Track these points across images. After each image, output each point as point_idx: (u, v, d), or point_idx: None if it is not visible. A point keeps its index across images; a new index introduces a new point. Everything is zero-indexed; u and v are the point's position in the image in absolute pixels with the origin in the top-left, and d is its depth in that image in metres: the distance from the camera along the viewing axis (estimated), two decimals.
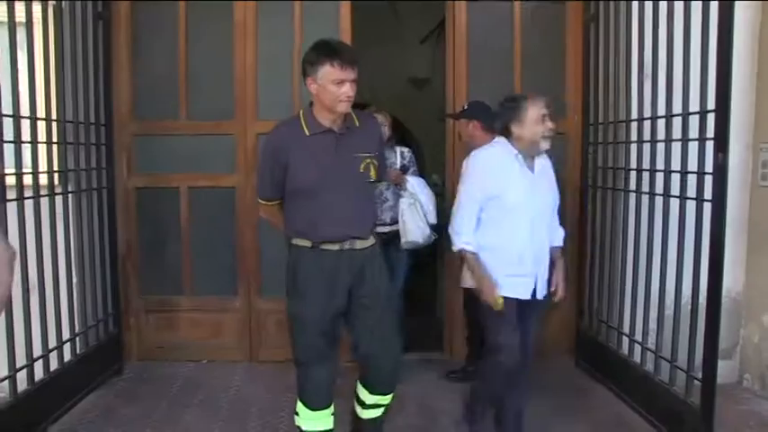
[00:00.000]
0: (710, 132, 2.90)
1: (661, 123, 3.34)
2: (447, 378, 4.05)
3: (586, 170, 4.15)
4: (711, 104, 2.89)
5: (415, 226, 3.97)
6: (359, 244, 2.62)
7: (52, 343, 3.39)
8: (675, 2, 3.19)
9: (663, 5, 3.29)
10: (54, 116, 3.45)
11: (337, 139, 2.56)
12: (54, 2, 3.47)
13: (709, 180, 2.91)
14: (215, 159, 4.32)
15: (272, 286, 4.30)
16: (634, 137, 3.62)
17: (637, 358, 3.54)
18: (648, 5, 3.43)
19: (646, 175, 3.45)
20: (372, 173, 2.64)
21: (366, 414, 2.84)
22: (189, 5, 4.21)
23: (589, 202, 4.12)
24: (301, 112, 2.61)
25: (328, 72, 2.42)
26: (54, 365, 3.40)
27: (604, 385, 3.85)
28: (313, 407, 2.65)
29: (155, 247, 4.37)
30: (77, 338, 3.64)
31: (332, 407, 2.71)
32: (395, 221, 4.03)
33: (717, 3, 2.83)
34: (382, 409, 2.83)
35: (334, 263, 2.58)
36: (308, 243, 2.59)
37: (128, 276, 4.33)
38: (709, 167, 2.92)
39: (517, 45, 4.29)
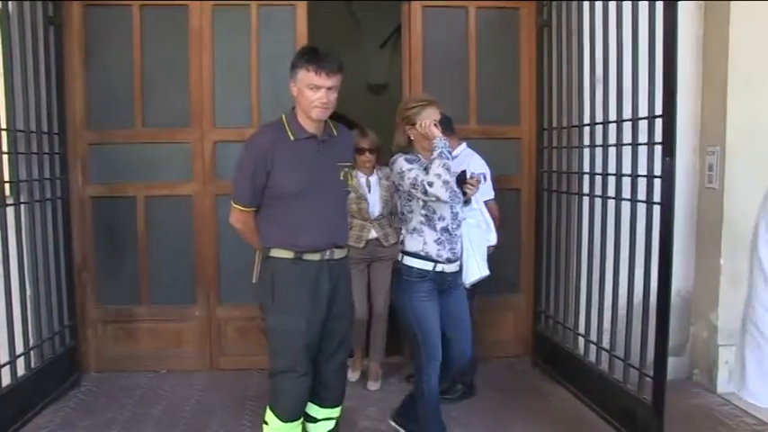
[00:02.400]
0: (659, 137, 3.00)
1: (612, 128, 3.44)
2: (407, 381, 4.08)
3: (541, 174, 4.25)
4: (659, 110, 2.99)
5: (485, 254, 3.16)
6: (337, 253, 2.61)
7: (5, 358, 3.32)
8: (624, 3, 3.27)
9: (612, 12, 3.39)
10: (3, 125, 3.37)
11: (320, 145, 2.56)
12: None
13: (658, 183, 3.00)
14: (172, 168, 4.29)
15: (232, 294, 4.29)
16: (587, 141, 3.71)
17: (592, 358, 3.63)
18: (599, 11, 3.52)
19: (598, 179, 3.55)
20: (350, 181, 2.69)
21: (319, 429, 2.78)
22: (143, 11, 4.17)
23: (544, 205, 4.22)
24: (284, 117, 2.58)
25: (304, 76, 2.43)
26: (7, 380, 3.33)
27: (561, 385, 3.93)
28: (286, 419, 2.59)
29: (112, 257, 4.31)
30: (32, 352, 3.56)
31: (302, 418, 2.69)
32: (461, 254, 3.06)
33: (662, 11, 2.92)
34: (334, 422, 2.80)
35: (316, 273, 2.55)
36: (289, 254, 2.53)
37: (84, 287, 4.25)
38: (658, 171, 3.01)
39: (472, 50, 4.36)
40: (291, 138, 2.52)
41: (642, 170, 3.16)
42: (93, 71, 4.20)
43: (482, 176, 3.72)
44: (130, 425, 3.52)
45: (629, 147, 3.26)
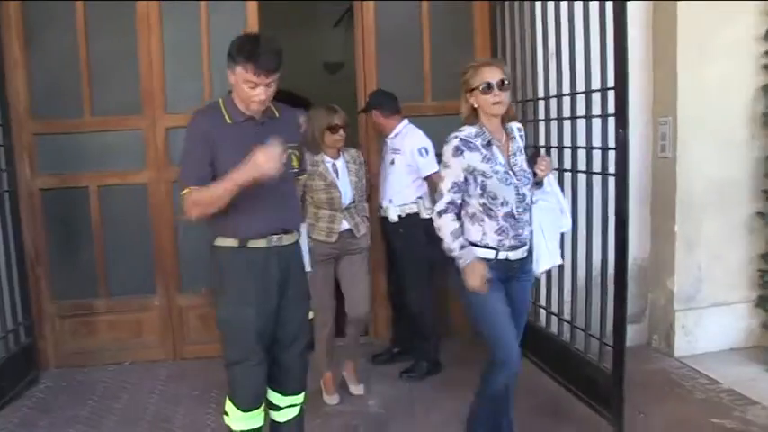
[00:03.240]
0: (612, 109, 3.02)
1: (567, 101, 3.46)
2: (373, 361, 4.09)
3: None
4: (611, 82, 3.01)
5: (558, 241, 2.91)
6: (286, 239, 2.51)
7: None
8: None
9: None
10: None
11: (259, 128, 2.44)
12: None
13: (612, 155, 3.04)
14: (124, 156, 4.20)
15: (192, 281, 4.24)
16: (542, 115, 3.73)
17: (554, 329, 3.68)
18: None
19: (554, 152, 3.57)
20: (294, 162, 2.55)
21: (283, 416, 2.69)
22: None
23: None
24: (221, 100, 2.48)
25: (241, 73, 2.31)
26: None
27: (525, 357, 3.95)
28: (245, 408, 2.53)
29: (66, 249, 4.21)
30: None
31: (263, 405, 2.63)
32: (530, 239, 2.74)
33: None
34: (299, 408, 2.71)
35: (264, 261, 2.45)
36: (233, 242, 2.43)
37: (38, 282, 4.14)
38: (612, 143, 3.04)
39: (426, 27, 4.34)
40: (228, 121, 2.42)
41: (597, 142, 3.19)
42: (37, 59, 4.06)
43: (423, 150, 3.75)
44: (93, 420, 3.46)
45: (584, 119, 3.29)
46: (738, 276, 4.02)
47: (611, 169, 3.05)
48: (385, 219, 3.86)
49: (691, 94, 3.84)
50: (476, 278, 2.52)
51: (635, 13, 3.81)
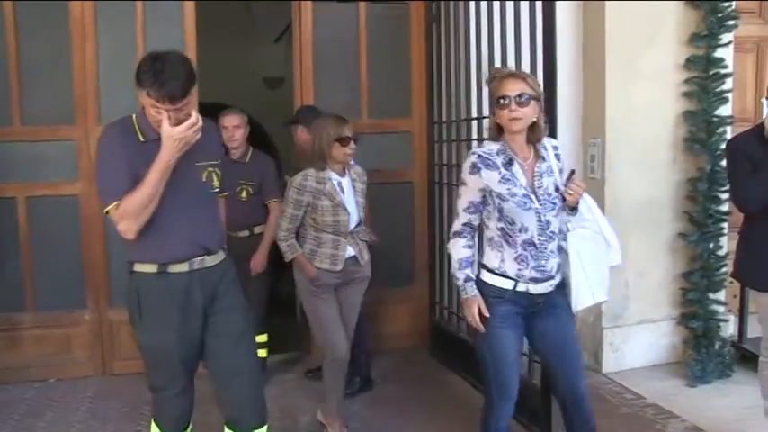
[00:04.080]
0: None
1: None
2: (306, 377, 4.08)
3: (432, 167, 4.35)
4: None
5: (603, 275, 2.50)
6: (209, 260, 2.35)
7: None
8: (507, 3, 3.37)
9: (496, 6, 3.47)
10: None
11: None
12: None
13: None
14: (55, 167, 4.10)
15: (123, 295, 4.12)
16: (475, 134, 3.81)
17: None
18: (484, 7, 3.60)
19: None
20: (216, 182, 2.38)
21: None
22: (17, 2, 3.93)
23: (436, 198, 4.31)
24: (134, 117, 2.29)
25: (146, 98, 2.15)
26: None
27: (458, 374, 4.03)
28: (168, 431, 2.45)
29: None
30: None
31: (189, 426, 2.53)
32: (558, 272, 2.45)
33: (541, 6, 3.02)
34: None
35: (185, 285, 2.30)
36: (152, 268, 2.27)
37: None
38: None
39: (363, 44, 4.39)
40: (141, 139, 2.24)
41: None
42: None
43: None
44: None
45: None
46: (662, 294, 4.16)
47: None
48: None
49: (619, 116, 3.98)
50: (471, 314, 2.40)
51: (567, 32, 3.97)
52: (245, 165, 3.91)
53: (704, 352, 3.94)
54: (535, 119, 2.35)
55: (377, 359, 4.02)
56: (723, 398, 3.72)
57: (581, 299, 2.45)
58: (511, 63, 3.35)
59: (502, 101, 2.31)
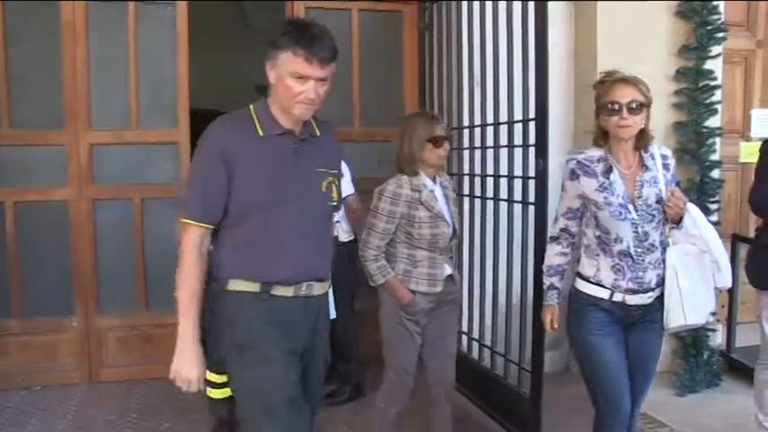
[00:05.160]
0: (533, 139, 3.11)
1: (490, 130, 3.54)
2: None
3: None
4: (533, 113, 3.10)
5: (703, 297, 2.36)
6: (317, 288, 2.03)
7: None
8: (501, 9, 3.38)
9: (489, 16, 3.49)
10: None
11: (298, 145, 1.98)
12: None
13: (532, 184, 3.12)
14: (45, 172, 4.06)
15: (112, 302, 4.12)
16: (467, 143, 3.81)
17: (475, 355, 3.74)
18: (476, 17, 3.62)
19: (478, 180, 3.65)
20: (335, 195, 2.07)
21: None
22: (6, 2, 3.90)
23: None
24: (253, 107, 2.00)
25: (290, 61, 1.87)
26: None
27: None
28: None
29: None
30: None
31: None
32: (659, 285, 2.35)
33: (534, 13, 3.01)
34: None
35: (288, 313, 1.97)
36: (253, 286, 1.93)
37: None
38: (532, 172, 3.13)
39: (355, 52, 4.39)
40: (261, 133, 1.94)
41: (518, 171, 3.28)
42: None
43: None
44: None
45: (506, 149, 3.38)
46: None
47: (531, 198, 3.13)
48: None
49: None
50: (545, 320, 2.52)
51: (560, 46, 4.01)
52: None
53: (693, 361, 3.96)
54: (643, 126, 2.29)
55: (371, 368, 3.99)
56: (712, 407, 3.73)
57: (672, 318, 2.32)
58: (503, 69, 3.36)
59: (612, 106, 2.24)
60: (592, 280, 2.33)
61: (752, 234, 3.33)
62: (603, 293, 2.31)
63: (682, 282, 2.29)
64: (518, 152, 3.27)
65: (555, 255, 2.44)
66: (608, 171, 2.28)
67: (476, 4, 3.61)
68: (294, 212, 1.95)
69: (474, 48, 3.67)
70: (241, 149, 1.91)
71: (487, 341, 3.62)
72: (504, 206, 3.41)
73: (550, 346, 4.03)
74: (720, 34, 4.03)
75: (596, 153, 2.33)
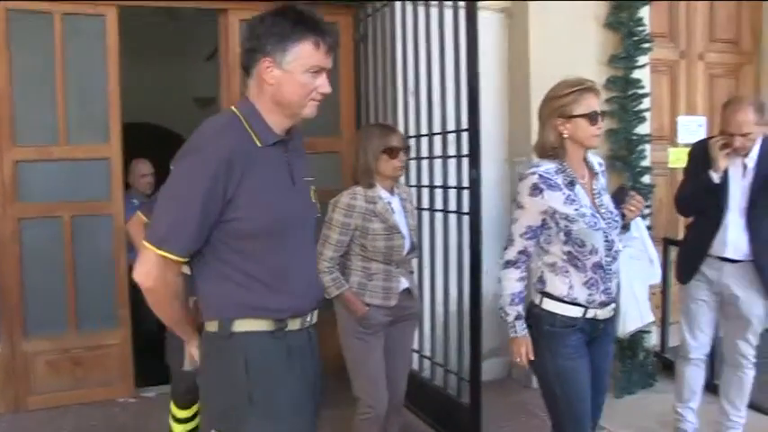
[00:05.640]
0: (466, 149, 3.13)
1: (425, 141, 3.56)
2: None
3: None
4: (466, 123, 3.13)
5: (647, 295, 2.45)
6: (316, 316, 1.84)
7: None
8: (433, 21, 3.40)
9: (422, 27, 3.50)
10: None
11: (288, 154, 1.75)
12: None
13: (467, 194, 3.14)
14: None
15: (40, 325, 3.94)
16: None
17: (415, 366, 3.72)
18: (410, 26, 3.63)
19: (414, 191, 3.65)
20: (318, 204, 1.89)
21: None
22: None
23: None
24: (240, 112, 1.69)
25: (307, 54, 1.63)
26: None
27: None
28: None
29: None
30: None
31: None
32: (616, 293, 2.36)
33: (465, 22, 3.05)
34: None
35: (301, 350, 1.75)
36: (267, 325, 1.68)
37: None
38: (466, 182, 3.15)
39: None
40: (258, 143, 1.67)
41: (452, 182, 3.29)
42: None
43: None
44: None
45: (441, 159, 3.39)
46: None
47: (466, 208, 3.15)
48: None
49: None
50: (519, 354, 2.26)
51: (493, 54, 4.05)
52: None
53: (629, 363, 4.03)
54: None
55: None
56: (647, 407, 3.81)
57: (630, 322, 2.34)
58: (436, 77, 3.38)
59: (589, 115, 2.17)
60: (566, 299, 2.20)
61: (681, 237, 3.43)
62: (578, 312, 2.20)
63: (635, 284, 2.34)
64: (453, 162, 3.29)
65: (516, 281, 2.26)
66: (571, 183, 2.20)
67: (410, 15, 3.63)
68: (299, 232, 1.75)
69: (408, 58, 3.68)
70: (246, 164, 1.61)
71: (427, 352, 3.62)
72: (439, 216, 3.42)
73: (491, 353, 4.06)
74: (646, 45, 4.15)
75: (551, 165, 2.23)
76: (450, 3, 3.24)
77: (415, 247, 2.88)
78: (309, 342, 1.79)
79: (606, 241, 2.20)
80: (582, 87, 2.21)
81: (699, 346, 3.16)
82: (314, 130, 4.37)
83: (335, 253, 2.70)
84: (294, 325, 1.72)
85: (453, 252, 3.31)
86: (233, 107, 1.72)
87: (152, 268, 1.62)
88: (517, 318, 2.27)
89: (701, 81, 4.96)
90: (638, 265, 2.38)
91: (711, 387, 3.45)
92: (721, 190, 2.92)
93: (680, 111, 4.78)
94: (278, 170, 1.70)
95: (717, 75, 5.05)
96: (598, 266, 2.19)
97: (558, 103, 2.21)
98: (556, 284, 2.22)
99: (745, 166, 2.96)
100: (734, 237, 2.93)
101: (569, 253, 2.18)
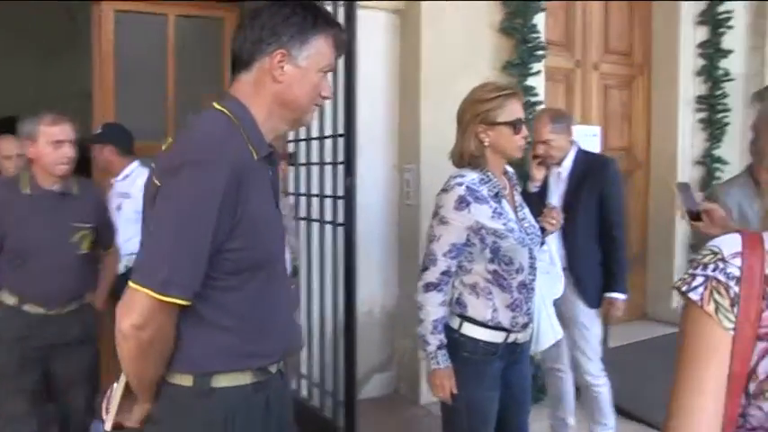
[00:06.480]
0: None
1: (302, 147, 3.35)
2: None
3: None
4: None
5: (554, 312, 2.36)
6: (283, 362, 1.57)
7: None
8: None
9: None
10: None
11: (271, 168, 1.50)
12: None
13: (342, 203, 2.96)
14: None
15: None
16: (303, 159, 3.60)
17: (293, 385, 3.51)
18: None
19: (292, 200, 3.45)
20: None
21: None
22: None
23: None
24: (234, 115, 1.40)
25: (324, 50, 1.44)
26: None
27: None
28: None
29: None
30: None
31: None
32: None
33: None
34: None
35: (277, 397, 1.49)
36: (247, 377, 1.41)
37: None
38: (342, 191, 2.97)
39: (171, 60, 4.08)
40: (255, 156, 1.39)
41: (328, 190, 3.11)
42: None
43: None
44: None
45: (318, 166, 3.20)
46: None
47: (342, 218, 2.97)
48: None
49: (434, 142, 3.90)
50: (443, 389, 2.02)
51: (381, 63, 3.89)
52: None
53: None
54: None
55: None
56: (535, 423, 3.71)
57: (544, 338, 2.23)
58: None
59: (516, 123, 2.03)
60: (490, 324, 2.02)
61: None
62: (501, 337, 2.03)
63: (546, 300, 2.25)
64: (329, 169, 3.11)
65: (438, 306, 2.02)
66: (497, 195, 2.03)
67: None
68: (280, 264, 1.51)
69: None
70: (248, 182, 1.33)
71: (302, 370, 3.41)
72: (316, 227, 3.23)
73: (377, 368, 3.90)
74: (540, 52, 4.09)
75: (474, 175, 2.04)
76: (329, 2, 3.05)
77: (296, 272, 2.59)
78: (283, 385, 1.55)
79: (530, 258, 2.05)
80: (507, 92, 2.07)
81: (550, 356, 3.05)
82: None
83: None
84: (272, 369, 1.47)
85: (329, 265, 3.12)
86: (219, 106, 1.42)
87: (150, 318, 1.28)
88: (439, 347, 2.02)
89: (595, 91, 4.97)
90: (547, 280, 2.30)
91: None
92: (541, 201, 2.85)
93: (575, 120, 4.76)
94: (266, 189, 1.44)
95: (611, 85, 5.08)
96: (523, 285, 2.04)
97: (481, 107, 2.05)
98: (478, 308, 2.02)
99: (559, 176, 2.98)
100: (551, 245, 2.74)
101: (495, 272, 2.00)
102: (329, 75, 1.50)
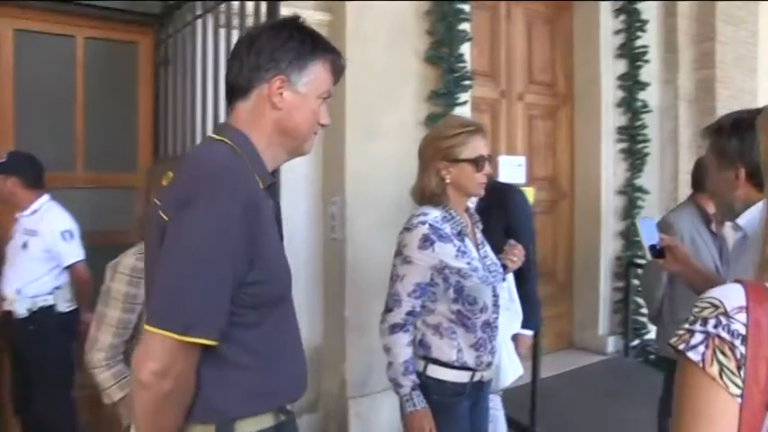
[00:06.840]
0: None
1: None
2: None
3: None
4: None
5: (513, 351, 2.44)
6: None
7: None
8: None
9: (223, 50, 3.11)
10: None
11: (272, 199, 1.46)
12: None
13: None
14: None
15: None
16: None
17: None
18: (210, 48, 3.23)
19: None
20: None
21: None
22: None
23: None
24: (236, 144, 1.34)
25: (323, 76, 1.42)
26: None
27: None
28: None
29: None
30: None
31: None
32: None
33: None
34: None
35: None
36: (269, 420, 1.34)
37: None
38: None
39: (80, 84, 3.81)
40: (261, 185, 1.34)
41: None
42: None
43: (67, 234, 3.22)
44: None
45: None
46: None
47: None
48: (9, 313, 3.18)
49: (359, 173, 3.79)
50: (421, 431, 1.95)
51: None
52: None
53: None
54: None
55: None
56: None
57: (506, 375, 2.26)
58: None
59: (480, 160, 2.00)
60: (455, 364, 1.99)
61: None
62: (467, 377, 2.01)
63: (506, 337, 2.28)
64: None
65: (405, 346, 1.98)
66: (460, 233, 2.01)
67: (210, 37, 3.22)
68: (291, 296, 1.43)
69: (208, 83, 3.26)
70: (261, 209, 1.28)
71: None
72: None
73: (307, 409, 3.72)
74: (467, 82, 4.06)
75: (437, 212, 2.01)
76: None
77: None
78: (297, 426, 1.49)
79: (494, 296, 2.04)
80: (470, 129, 2.04)
81: None
82: (105, 162, 3.87)
83: (117, 339, 2.05)
84: (290, 407, 1.43)
85: None
86: (218, 137, 1.36)
87: (171, 363, 1.18)
88: (413, 388, 1.97)
89: (520, 121, 4.99)
90: (507, 317, 2.28)
91: None
92: None
93: (501, 150, 4.75)
94: (272, 221, 1.36)
95: (535, 116, 5.12)
96: (486, 325, 2.02)
97: (444, 144, 2.02)
98: (443, 348, 1.99)
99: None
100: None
101: (459, 312, 1.98)
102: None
